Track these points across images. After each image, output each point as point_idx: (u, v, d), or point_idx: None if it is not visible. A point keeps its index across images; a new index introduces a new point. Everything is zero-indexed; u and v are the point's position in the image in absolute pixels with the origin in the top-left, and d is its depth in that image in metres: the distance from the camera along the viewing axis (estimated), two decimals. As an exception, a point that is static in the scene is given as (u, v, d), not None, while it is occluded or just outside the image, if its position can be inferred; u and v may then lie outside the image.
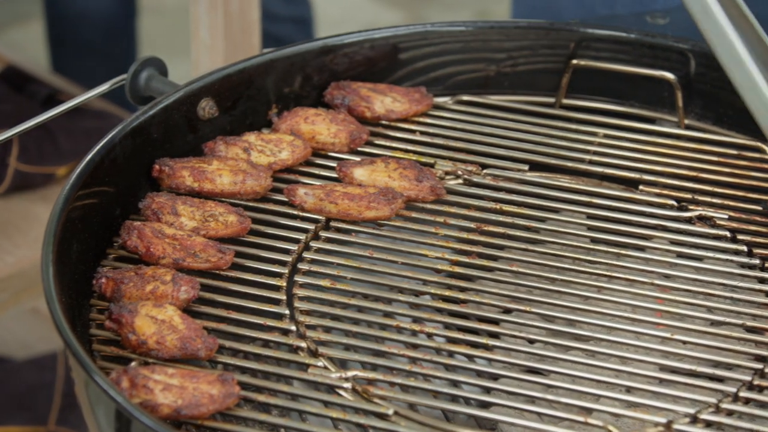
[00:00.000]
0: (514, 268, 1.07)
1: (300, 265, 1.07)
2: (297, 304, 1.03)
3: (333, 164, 1.16)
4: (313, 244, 1.09)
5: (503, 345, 1.01)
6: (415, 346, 1.01)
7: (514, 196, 1.14)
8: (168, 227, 1.06)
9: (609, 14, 1.49)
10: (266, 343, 1.02)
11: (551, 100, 1.25)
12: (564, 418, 0.95)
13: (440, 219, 1.11)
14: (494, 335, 1.04)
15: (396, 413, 0.94)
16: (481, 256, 1.08)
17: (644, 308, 1.03)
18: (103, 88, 1.15)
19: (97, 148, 1.06)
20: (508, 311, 1.06)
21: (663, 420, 0.93)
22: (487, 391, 0.99)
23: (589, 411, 0.96)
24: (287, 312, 1.02)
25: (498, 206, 1.13)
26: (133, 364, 0.94)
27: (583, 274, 1.07)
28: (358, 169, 1.12)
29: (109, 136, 1.08)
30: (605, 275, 1.07)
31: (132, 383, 0.89)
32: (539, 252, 1.09)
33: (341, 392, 0.96)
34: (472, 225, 1.11)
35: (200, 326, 0.97)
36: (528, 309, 1.03)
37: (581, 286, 1.06)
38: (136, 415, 0.86)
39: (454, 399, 1.01)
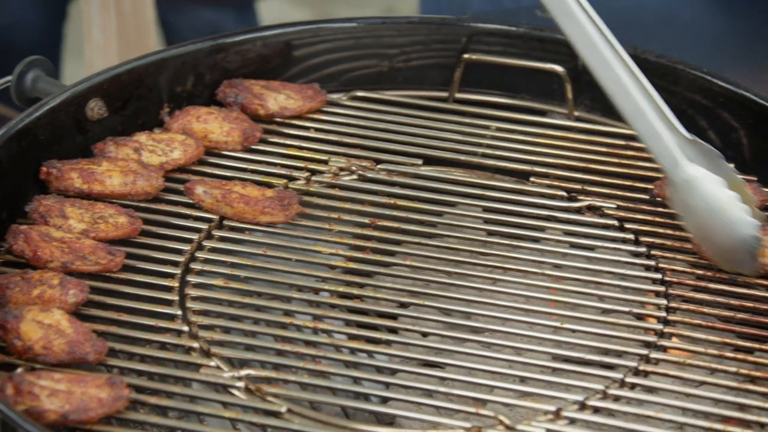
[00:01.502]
0: (411, 263, 1.07)
1: (193, 265, 1.06)
2: (189, 304, 1.03)
3: (227, 162, 1.16)
4: (207, 244, 1.08)
5: (401, 340, 1.02)
6: (309, 343, 1.01)
7: (408, 191, 1.14)
8: (56, 230, 1.04)
9: (515, 7, 1.50)
10: (159, 345, 1.01)
11: (444, 94, 1.26)
12: (458, 410, 0.96)
13: (334, 215, 1.11)
14: (393, 330, 1.05)
15: (289, 411, 0.94)
16: (376, 251, 1.08)
17: (537, 299, 1.05)
18: (-15, 89, 1.13)
19: (-19, 151, 1.05)
20: (405, 306, 1.06)
21: (552, 408, 0.94)
22: (386, 385, 1.00)
23: (483, 402, 0.97)
24: (179, 313, 1.01)
25: (392, 201, 1.13)
26: (18, 370, 0.92)
27: (478, 267, 1.08)
28: None
29: (-7, 138, 1.06)
30: (500, 267, 1.08)
31: (17, 390, 0.88)
32: (436, 246, 1.10)
33: (234, 391, 0.95)
34: (367, 220, 1.11)
35: (89, 330, 0.96)
36: (424, 303, 1.04)
37: (477, 278, 1.07)
38: (21, 422, 0.84)
39: (353, 395, 1.02)
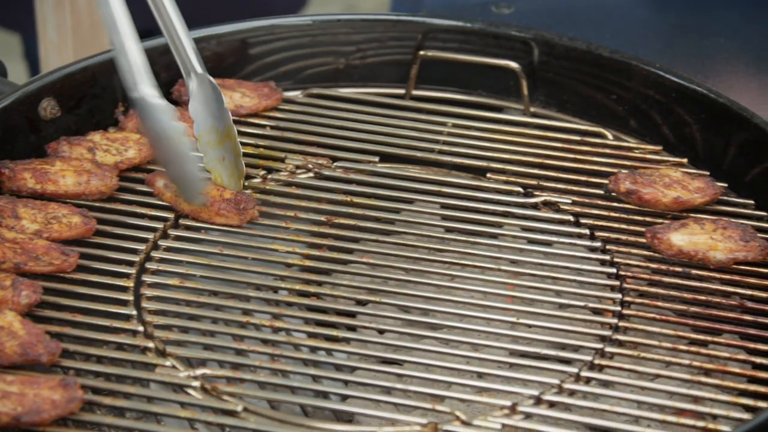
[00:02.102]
0: (368, 260, 1.07)
1: (148, 265, 1.05)
2: (145, 304, 1.02)
3: (182, 161, 1.15)
4: (162, 243, 1.08)
5: (359, 337, 1.02)
6: (266, 342, 1.01)
7: (364, 188, 1.14)
8: (8, 231, 1.03)
9: (478, 2, 1.50)
10: (116, 346, 1.00)
11: (401, 91, 1.26)
12: (415, 407, 0.96)
13: (291, 213, 1.11)
14: (351, 328, 1.05)
15: (245, 410, 0.94)
16: (333, 249, 1.08)
17: (495, 295, 1.05)
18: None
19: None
20: (364, 303, 1.06)
21: (508, 403, 0.95)
22: (345, 383, 1.00)
23: (441, 398, 0.98)
24: (135, 313, 1.01)
25: (349, 198, 1.13)
26: (-30, 372, 0.92)
27: (437, 264, 1.08)
28: (675, 234, 1.06)
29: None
30: (458, 264, 1.08)
31: (-31, 392, 0.87)
32: (394, 243, 1.10)
33: (190, 391, 0.95)
34: (323, 218, 1.11)
35: (42, 331, 0.95)
36: (382, 300, 1.04)
37: (435, 275, 1.07)
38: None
39: (312, 393, 1.01)
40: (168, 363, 0.97)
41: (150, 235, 1.08)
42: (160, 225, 1.09)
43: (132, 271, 1.04)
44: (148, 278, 1.04)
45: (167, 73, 1.21)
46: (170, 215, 1.10)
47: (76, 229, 1.05)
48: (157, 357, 0.98)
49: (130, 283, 1.03)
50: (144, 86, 1.01)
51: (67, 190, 1.09)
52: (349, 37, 1.26)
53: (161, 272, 1.05)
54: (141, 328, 1.00)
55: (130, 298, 1.02)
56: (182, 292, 1.04)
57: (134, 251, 1.06)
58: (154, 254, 1.06)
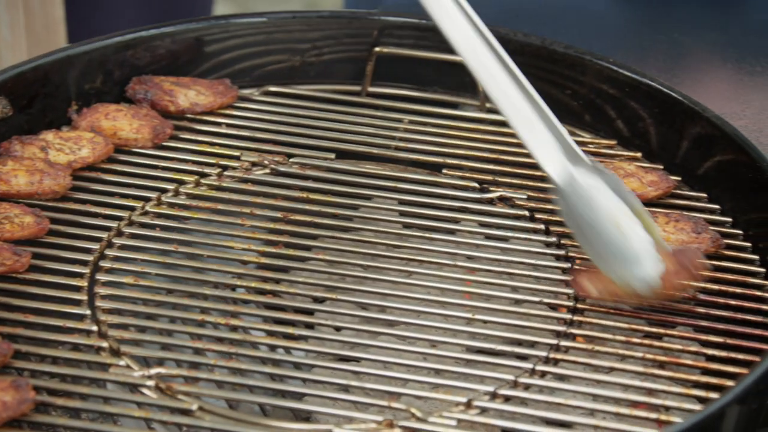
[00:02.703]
0: (324, 257, 1.07)
1: (102, 263, 1.05)
2: (99, 303, 1.01)
3: (137, 160, 1.15)
4: (116, 241, 1.07)
5: (317, 335, 1.02)
6: (222, 340, 1.01)
7: (321, 185, 1.14)
8: (-41, 231, 1.02)
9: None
10: (72, 346, 1.00)
11: (357, 88, 1.26)
12: (370, 404, 0.96)
13: (246, 210, 1.11)
14: (309, 326, 1.05)
15: (200, 408, 0.93)
16: (290, 246, 1.08)
17: (452, 291, 1.05)
18: None
19: None
20: (321, 301, 1.06)
21: (464, 399, 0.95)
22: (303, 381, 1.00)
23: (398, 395, 0.98)
24: (88, 312, 1.00)
25: (305, 195, 1.13)
26: None
27: (394, 260, 1.08)
28: None
29: None
30: (416, 260, 1.08)
31: None
32: (351, 239, 1.10)
33: (145, 390, 0.94)
34: (279, 215, 1.11)
35: (-6, 332, 0.95)
36: (339, 297, 1.04)
37: (393, 271, 1.07)
38: None
39: (269, 391, 1.01)
40: (122, 362, 0.96)
41: (104, 234, 1.07)
42: (114, 224, 1.08)
43: (86, 270, 1.04)
44: (102, 277, 1.04)
45: (120, 71, 1.20)
46: (125, 214, 1.09)
47: (28, 229, 1.05)
48: (111, 357, 0.97)
49: (84, 283, 1.02)
50: (575, 169, 0.86)
51: (19, 190, 1.08)
52: (304, 35, 1.25)
53: (115, 271, 1.04)
54: (95, 328, 0.99)
55: (84, 297, 1.01)
56: (137, 290, 1.03)
57: (88, 250, 1.05)
58: (109, 253, 1.06)
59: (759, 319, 1.01)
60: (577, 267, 1.04)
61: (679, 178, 1.15)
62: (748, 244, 1.08)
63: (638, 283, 0.93)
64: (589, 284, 1.00)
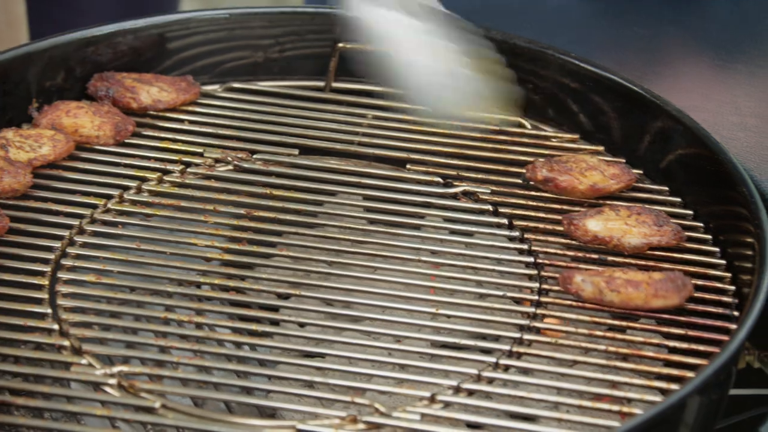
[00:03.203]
0: (289, 253, 1.07)
1: (64, 262, 1.04)
2: (61, 301, 1.01)
3: (99, 157, 1.14)
4: (78, 239, 1.06)
5: (282, 331, 1.01)
6: (185, 338, 1.00)
7: (285, 181, 1.14)
8: None
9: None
10: (32, 345, 0.99)
11: (321, 84, 1.26)
12: (335, 400, 0.96)
13: (209, 207, 1.11)
14: (275, 322, 1.04)
15: (163, 406, 0.93)
16: (255, 242, 1.08)
17: (417, 286, 1.05)
18: None
19: None
20: (286, 297, 1.06)
21: (427, 394, 0.95)
22: (268, 378, 1.00)
23: (363, 391, 0.98)
24: (50, 311, 0.99)
25: (269, 191, 1.13)
26: None
27: (359, 256, 1.08)
28: (591, 220, 1.06)
29: None
30: (380, 255, 1.08)
31: None
32: (316, 236, 1.09)
33: (107, 389, 0.94)
34: (243, 211, 1.10)
35: (-46, 332, 0.94)
36: (304, 294, 1.04)
37: (358, 267, 1.07)
38: None
39: (234, 388, 1.01)
40: (84, 361, 0.96)
41: (65, 233, 1.06)
42: (76, 222, 1.08)
43: (47, 269, 1.03)
44: (63, 275, 1.03)
45: (82, 68, 1.19)
46: (87, 212, 1.09)
47: (-12, 228, 1.04)
48: (72, 355, 0.96)
49: (45, 281, 1.02)
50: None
51: (-21, 188, 1.07)
52: (267, 31, 1.25)
53: (77, 269, 1.04)
54: (56, 327, 0.98)
55: (45, 296, 1.01)
56: (99, 288, 1.03)
57: (49, 249, 1.04)
58: (70, 251, 1.05)
59: (720, 310, 1.02)
60: (567, 265, 1.05)
61: (641, 172, 1.15)
62: (709, 237, 1.09)
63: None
64: (581, 281, 1.00)
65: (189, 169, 1.15)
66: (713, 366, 0.90)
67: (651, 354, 0.99)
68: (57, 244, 1.05)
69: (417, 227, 1.12)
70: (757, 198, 1.04)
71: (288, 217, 1.10)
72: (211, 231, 1.08)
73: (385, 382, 0.99)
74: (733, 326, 0.98)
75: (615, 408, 0.94)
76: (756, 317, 0.94)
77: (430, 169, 1.16)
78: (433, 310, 1.03)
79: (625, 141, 1.18)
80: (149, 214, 1.10)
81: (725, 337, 0.97)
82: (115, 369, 0.95)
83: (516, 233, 1.10)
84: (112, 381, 0.94)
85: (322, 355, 1.02)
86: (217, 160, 1.16)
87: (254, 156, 1.16)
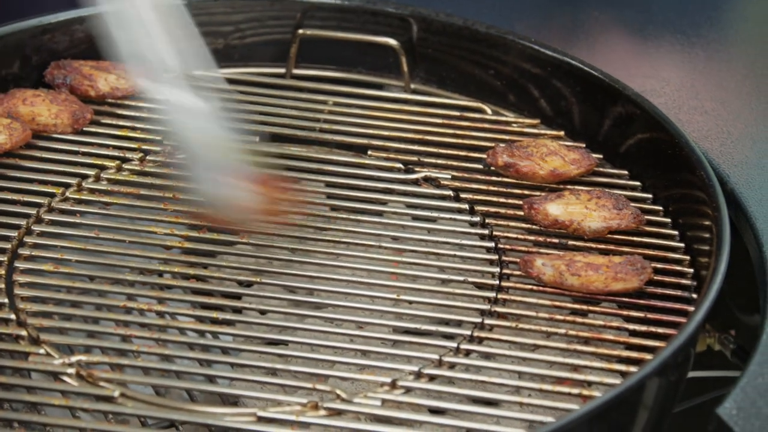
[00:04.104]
0: (251, 241, 1.06)
1: (21, 251, 1.03)
2: (18, 291, 1.00)
3: (57, 146, 1.13)
4: (36, 228, 1.05)
5: (245, 319, 1.01)
6: (144, 326, 1.00)
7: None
8: None
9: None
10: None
11: (282, 70, 1.25)
12: (297, 387, 0.95)
13: (169, 195, 1.10)
14: (237, 310, 1.04)
15: (122, 395, 0.92)
16: (214, 230, 1.07)
17: (379, 272, 1.05)
18: None
19: None
20: (248, 285, 1.05)
21: (388, 380, 0.95)
22: (231, 366, 0.99)
23: (325, 377, 0.97)
24: (6, 301, 0.98)
25: (229, 179, 1.12)
26: None
27: (321, 243, 1.07)
28: (551, 205, 1.06)
29: None
30: (343, 242, 1.08)
31: None
32: (278, 222, 1.09)
33: (66, 378, 0.93)
34: (203, 199, 1.09)
35: None
36: (263, 281, 1.03)
37: (320, 254, 1.06)
38: None
39: (196, 377, 1.00)
40: (41, 351, 0.95)
41: (23, 221, 1.05)
42: (33, 210, 1.07)
43: (3, 258, 1.02)
44: (21, 265, 1.02)
45: (38, 56, 1.18)
46: (45, 200, 1.08)
47: (-57, 217, 1.03)
48: (30, 345, 0.95)
49: (2, 271, 1.01)
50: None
51: (-66, 178, 1.06)
52: (227, 17, 1.24)
53: (35, 258, 1.03)
54: (13, 317, 0.97)
55: (2, 286, 1.00)
56: (57, 278, 1.02)
57: (6, 238, 1.03)
58: (28, 240, 1.04)
59: (679, 293, 1.02)
60: (528, 249, 1.05)
61: (601, 156, 1.16)
62: (668, 220, 1.09)
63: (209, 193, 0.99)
64: (541, 265, 1.00)
65: (148, 157, 1.14)
66: (671, 348, 0.90)
67: (611, 337, 0.99)
68: (13, 234, 1.04)
69: (379, 214, 1.11)
70: (714, 181, 1.05)
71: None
72: (171, 219, 1.07)
73: (347, 368, 0.99)
74: (691, 308, 0.99)
75: (576, 391, 0.94)
76: (713, 299, 0.95)
77: (392, 155, 1.16)
78: (395, 296, 1.02)
79: (586, 126, 1.18)
80: (108, 203, 1.09)
81: (684, 320, 0.97)
82: (74, 358, 0.94)
83: (477, 218, 1.10)
84: (71, 370, 0.93)
85: (284, 343, 1.01)
86: (176, 148, 1.15)
87: (214, 143, 1.16)
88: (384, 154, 1.16)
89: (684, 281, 1.03)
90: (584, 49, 1.29)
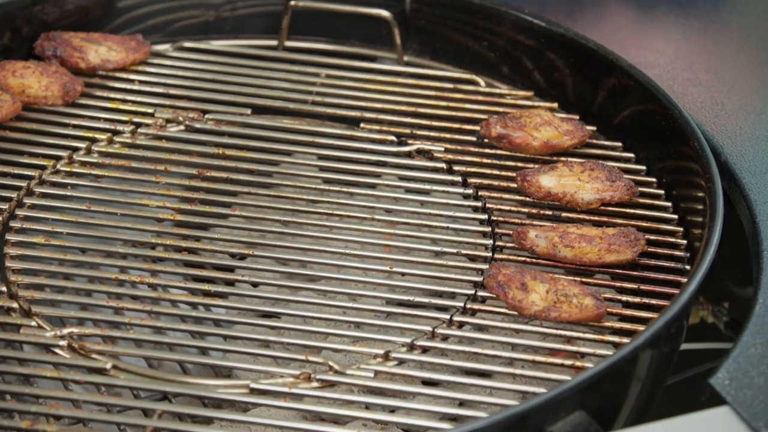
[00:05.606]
0: (241, 213, 1.06)
1: (12, 224, 1.03)
2: (9, 263, 0.99)
3: (47, 117, 1.12)
4: (27, 201, 1.05)
5: (238, 292, 1.01)
6: (136, 298, 0.99)
7: (237, 140, 1.13)
8: None
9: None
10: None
11: (274, 42, 1.24)
12: (290, 359, 0.95)
13: (161, 167, 1.09)
14: (230, 283, 1.03)
15: (115, 367, 0.92)
16: (206, 203, 1.07)
17: (373, 244, 1.05)
18: None
19: None
20: (242, 257, 1.05)
21: (381, 351, 0.95)
22: (224, 338, 0.99)
23: (318, 350, 0.97)
24: (-2, 273, 0.98)
25: (221, 151, 1.12)
26: None
27: (314, 215, 1.07)
28: (544, 177, 1.05)
29: None
30: (336, 214, 1.07)
31: None
32: (271, 195, 1.08)
33: (57, 350, 0.93)
34: (195, 171, 1.09)
35: None
36: (258, 254, 1.03)
37: (313, 227, 1.06)
38: None
39: (190, 349, 1.00)
40: (33, 323, 0.94)
41: (13, 194, 1.05)
42: (24, 183, 1.06)
43: (-6, 231, 1.01)
44: (11, 237, 1.01)
45: (29, 28, 1.17)
46: (35, 173, 1.07)
47: (-66, 190, 1.02)
48: (21, 317, 0.95)
49: (-7, 244, 1.00)
50: None
51: (-76, 150, 1.05)
52: (218, -12, 1.23)
53: (26, 230, 1.02)
54: (4, 289, 0.97)
55: (-7, 258, 0.99)
56: (49, 250, 1.01)
57: (-3, 211, 1.03)
58: (19, 213, 1.03)
59: (672, 264, 1.02)
60: (521, 221, 1.04)
61: (595, 128, 1.15)
62: (662, 192, 1.09)
63: None
64: (535, 237, 1.00)
65: (140, 130, 1.13)
66: (663, 319, 0.90)
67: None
68: (4, 206, 1.03)
69: (372, 186, 1.11)
70: (708, 153, 1.05)
71: (242, 177, 1.09)
72: (163, 191, 1.07)
73: (340, 340, 0.99)
74: (684, 280, 0.99)
75: (569, 363, 0.94)
76: (706, 271, 0.94)
77: (384, 128, 1.15)
78: (387, 268, 1.02)
79: (579, 97, 1.18)
80: (99, 176, 1.08)
81: (676, 291, 0.97)
82: (66, 331, 0.94)
83: (470, 191, 1.09)
84: (62, 343, 0.93)
85: (277, 315, 1.01)
86: (168, 121, 1.14)
87: (206, 116, 1.15)
88: (377, 127, 1.16)
89: (677, 253, 1.03)
90: (578, 21, 1.28)
